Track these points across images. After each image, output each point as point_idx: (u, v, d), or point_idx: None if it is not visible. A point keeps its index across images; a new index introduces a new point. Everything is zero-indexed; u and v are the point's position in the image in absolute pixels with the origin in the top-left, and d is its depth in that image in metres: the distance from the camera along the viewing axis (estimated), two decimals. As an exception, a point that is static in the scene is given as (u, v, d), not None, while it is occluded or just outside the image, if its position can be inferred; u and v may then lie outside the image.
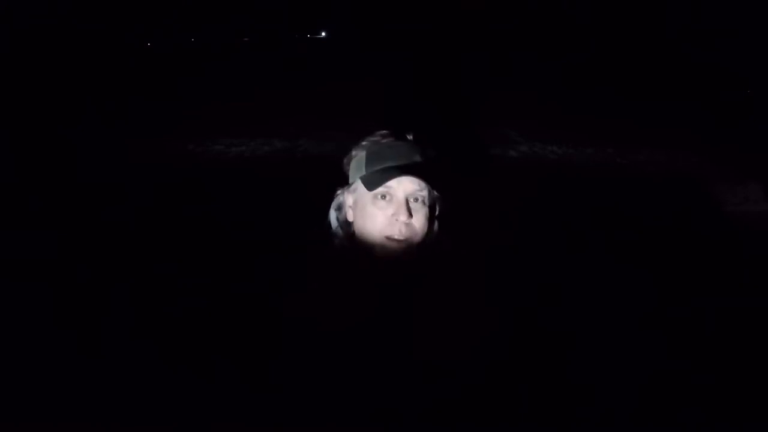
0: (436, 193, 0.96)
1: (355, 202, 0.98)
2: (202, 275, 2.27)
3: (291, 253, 1.04)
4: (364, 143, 0.99)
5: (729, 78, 8.33)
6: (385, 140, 0.97)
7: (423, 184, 0.93)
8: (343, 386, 0.81)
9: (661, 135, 5.50)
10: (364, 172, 0.95)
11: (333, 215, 1.02)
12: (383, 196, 0.92)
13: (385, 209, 0.92)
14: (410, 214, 0.91)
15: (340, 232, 1.00)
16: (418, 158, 0.94)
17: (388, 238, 0.91)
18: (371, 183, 0.93)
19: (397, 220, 0.91)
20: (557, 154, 5.11)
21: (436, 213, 0.99)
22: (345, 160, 1.03)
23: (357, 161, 0.98)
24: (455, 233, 1.02)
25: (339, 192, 1.04)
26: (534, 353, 0.89)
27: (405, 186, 0.92)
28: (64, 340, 1.82)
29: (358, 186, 0.97)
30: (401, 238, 0.91)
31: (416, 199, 0.93)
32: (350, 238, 0.99)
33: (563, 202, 3.41)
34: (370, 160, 0.95)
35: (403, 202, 0.91)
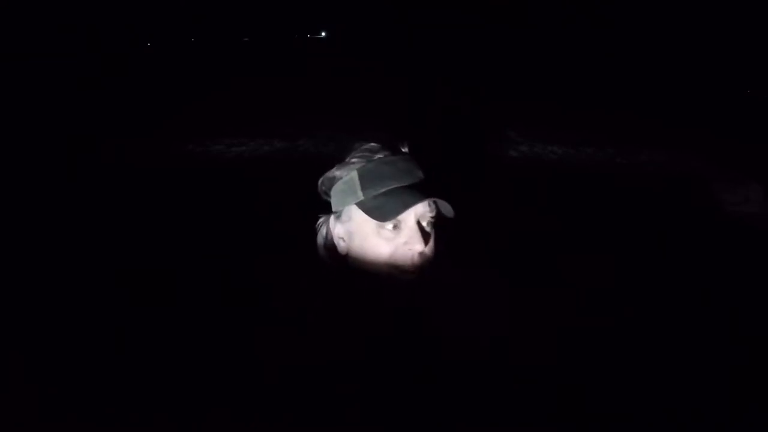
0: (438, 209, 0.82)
1: (351, 233, 0.82)
2: (202, 275, 2.27)
3: (290, 253, 1.04)
4: (353, 161, 0.81)
5: (729, 78, 8.34)
6: (378, 155, 0.80)
7: (433, 206, 0.79)
8: (343, 386, 0.81)
9: (661, 135, 5.51)
10: (360, 197, 0.78)
11: (321, 244, 0.87)
12: (393, 226, 0.77)
13: (394, 239, 0.77)
14: (425, 242, 0.77)
15: (328, 260, 0.86)
16: (420, 174, 0.80)
17: (397, 269, 0.77)
18: (380, 212, 0.76)
19: (410, 249, 0.77)
20: (557, 154, 5.11)
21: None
22: (322, 183, 0.86)
23: (347, 184, 0.80)
24: (454, 233, 1.02)
25: (321, 221, 0.87)
26: (534, 353, 0.89)
27: (416, 210, 0.77)
28: (64, 340, 1.82)
29: (354, 214, 0.80)
30: (414, 269, 0.77)
31: (428, 223, 0.79)
32: (342, 266, 0.84)
33: (563, 202, 3.42)
34: (366, 182, 0.78)
35: (416, 228, 0.77)
